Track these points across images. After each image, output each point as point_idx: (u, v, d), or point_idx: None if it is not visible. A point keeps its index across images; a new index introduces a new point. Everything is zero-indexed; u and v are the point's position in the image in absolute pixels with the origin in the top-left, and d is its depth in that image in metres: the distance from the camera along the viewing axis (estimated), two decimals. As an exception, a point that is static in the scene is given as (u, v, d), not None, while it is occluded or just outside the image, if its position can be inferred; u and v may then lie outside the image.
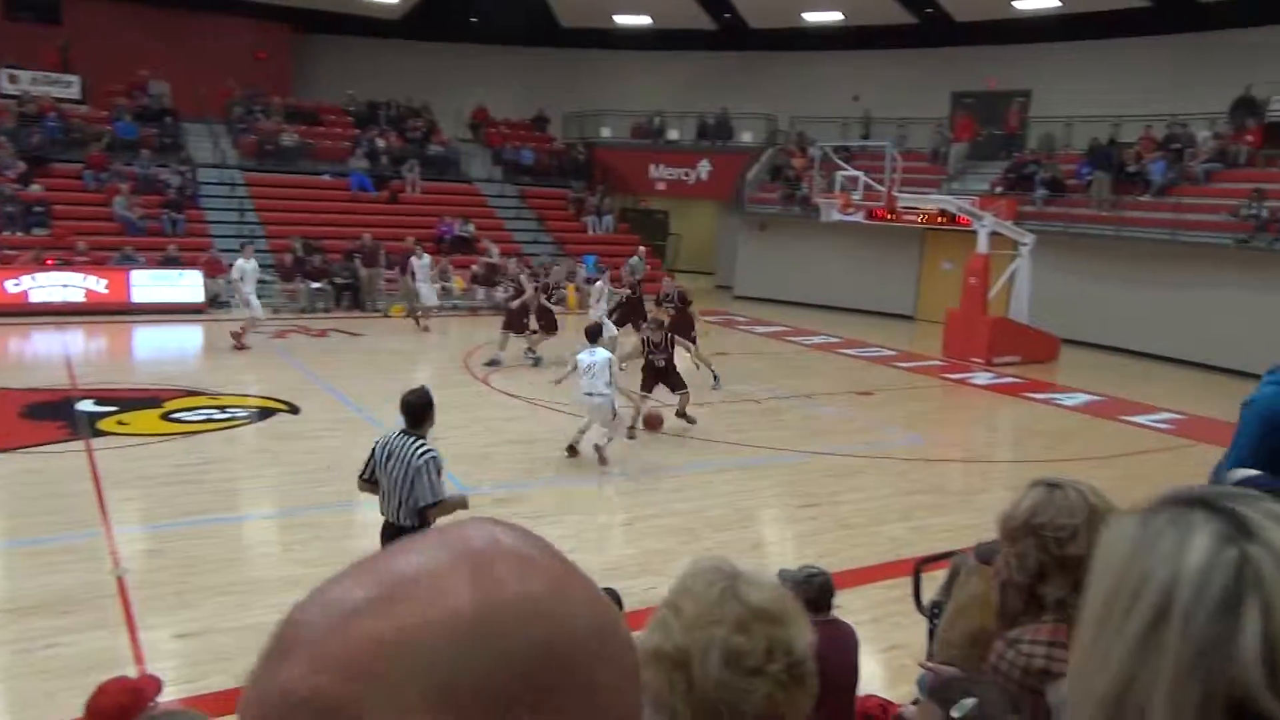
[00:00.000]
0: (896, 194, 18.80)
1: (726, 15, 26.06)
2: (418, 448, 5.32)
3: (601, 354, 9.72)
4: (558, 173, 26.83)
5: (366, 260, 19.80)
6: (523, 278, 15.31)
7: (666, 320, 11.87)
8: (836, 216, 19.22)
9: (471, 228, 22.55)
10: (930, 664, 2.37)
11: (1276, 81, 18.88)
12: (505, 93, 28.91)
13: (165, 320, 16.93)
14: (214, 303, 18.55)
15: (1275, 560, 0.75)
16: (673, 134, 27.53)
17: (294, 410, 11.32)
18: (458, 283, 20.69)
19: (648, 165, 27.04)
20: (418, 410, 5.47)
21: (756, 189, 25.48)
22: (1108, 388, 15.02)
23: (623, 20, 27.22)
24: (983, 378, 15.52)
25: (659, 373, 11.09)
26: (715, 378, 13.63)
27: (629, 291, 15.52)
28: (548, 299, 15.19)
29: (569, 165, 27.01)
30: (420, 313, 17.83)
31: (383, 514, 5.48)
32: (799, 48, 26.41)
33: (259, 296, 15.67)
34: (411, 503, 5.29)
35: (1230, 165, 18.68)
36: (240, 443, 9.99)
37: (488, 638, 0.56)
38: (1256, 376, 16.04)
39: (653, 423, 10.96)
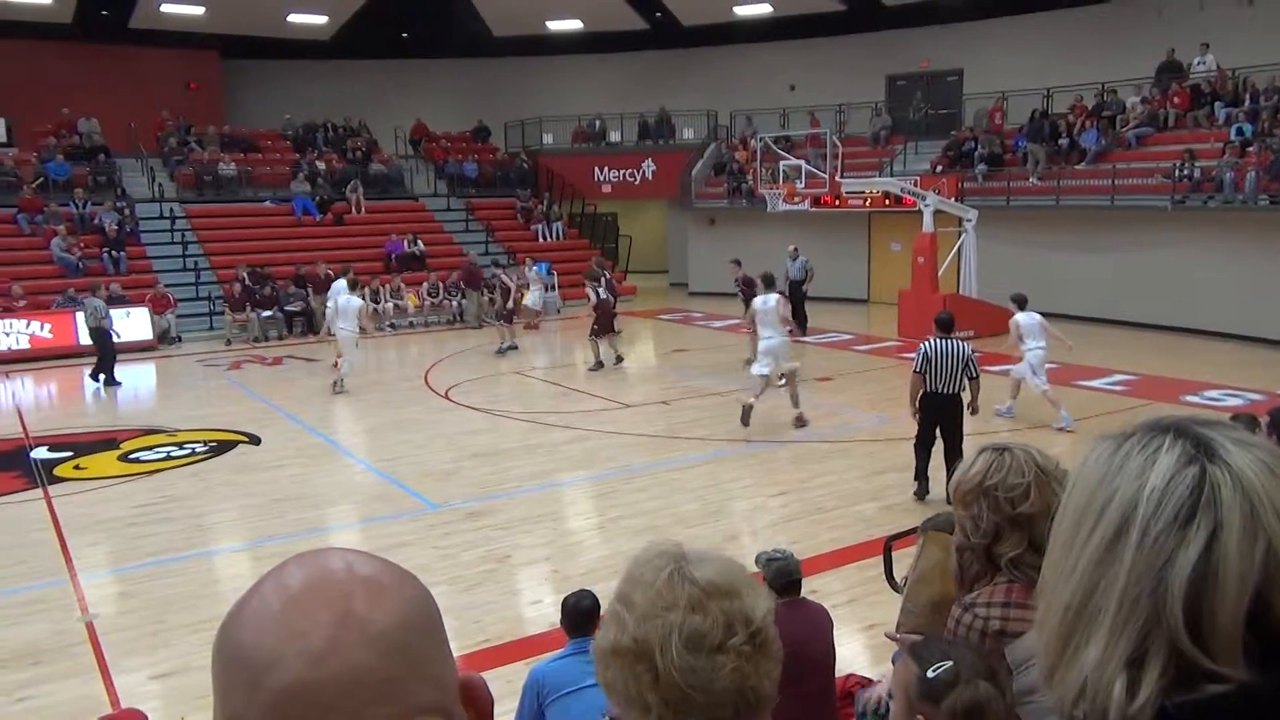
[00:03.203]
0: (840, 179, 19.00)
1: (658, 14, 26.16)
2: (963, 344, 8.50)
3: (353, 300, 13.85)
4: (503, 183, 26.77)
5: (319, 288, 19.65)
6: (502, 276, 17.95)
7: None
8: (783, 207, 19.38)
9: (420, 245, 22.43)
10: (897, 634, 2.42)
11: (1196, 43, 19.37)
12: (443, 106, 28.78)
13: (115, 360, 16.61)
14: (163, 339, 18.27)
15: (1235, 482, 0.77)
16: (614, 136, 27.58)
17: (255, 441, 11.19)
18: (411, 300, 20.59)
19: (592, 169, 27.07)
20: (948, 323, 8.57)
21: (703, 185, 25.61)
22: (1060, 355, 15.27)
23: (555, 26, 27.21)
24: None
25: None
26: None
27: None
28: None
29: (514, 174, 26.95)
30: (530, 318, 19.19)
31: (933, 390, 8.40)
32: (732, 41, 26.61)
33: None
34: (962, 379, 8.34)
35: (1160, 129, 19.11)
36: (203, 478, 9.85)
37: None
38: (1201, 333, 16.49)
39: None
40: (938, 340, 8.43)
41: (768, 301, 11.39)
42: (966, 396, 8.63)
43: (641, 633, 1.18)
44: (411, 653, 0.72)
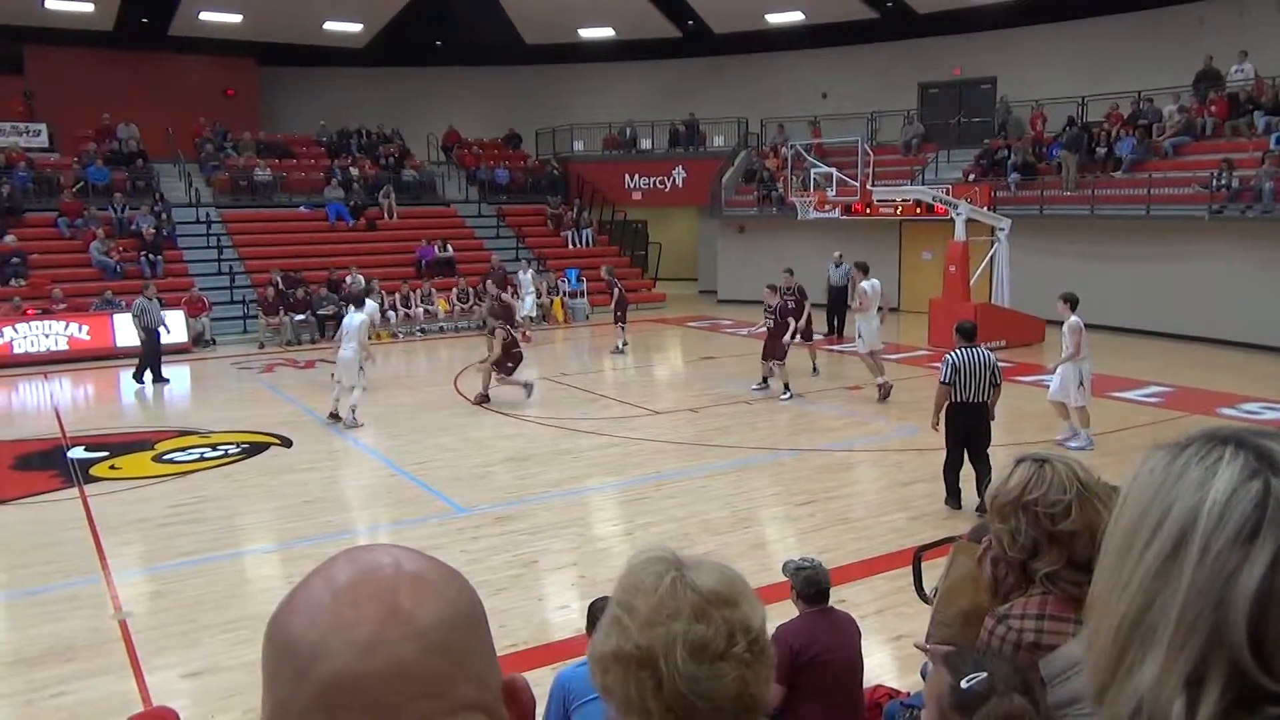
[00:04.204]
0: (871, 187, 18.91)
1: (689, 22, 26.20)
2: (987, 352, 8.46)
3: (355, 316, 11.83)
4: (533, 189, 26.88)
5: (351, 301, 19.79)
6: (490, 285, 18.15)
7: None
8: (813, 214, 19.31)
9: (450, 250, 22.57)
10: (927, 645, 2.39)
11: (1234, 52, 19.11)
12: (475, 113, 28.98)
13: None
14: (198, 341, 18.50)
15: None
16: (645, 143, 27.62)
17: (287, 443, 11.29)
18: (441, 305, 20.72)
19: (623, 176, 27.12)
20: (972, 332, 8.58)
21: (733, 192, 25.58)
22: (1094, 365, 15.07)
23: (587, 33, 27.32)
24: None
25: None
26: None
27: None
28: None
29: (544, 181, 27.07)
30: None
31: (960, 400, 8.28)
32: (764, 49, 26.58)
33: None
34: (990, 386, 8.29)
35: (1197, 137, 18.87)
36: (234, 479, 9.96)
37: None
38: (1238, 345, 16.15)
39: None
40: (963, 349, 8.37)
41: (876, 286, 13.35)
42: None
43: (645, 640, 1.19)
44: (456, 649, 0.73)
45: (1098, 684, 0.80)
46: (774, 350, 13.41)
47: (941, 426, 8.65)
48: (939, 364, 8.68)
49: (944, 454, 8.61)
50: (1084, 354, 10.41)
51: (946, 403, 8.43)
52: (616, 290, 17.62)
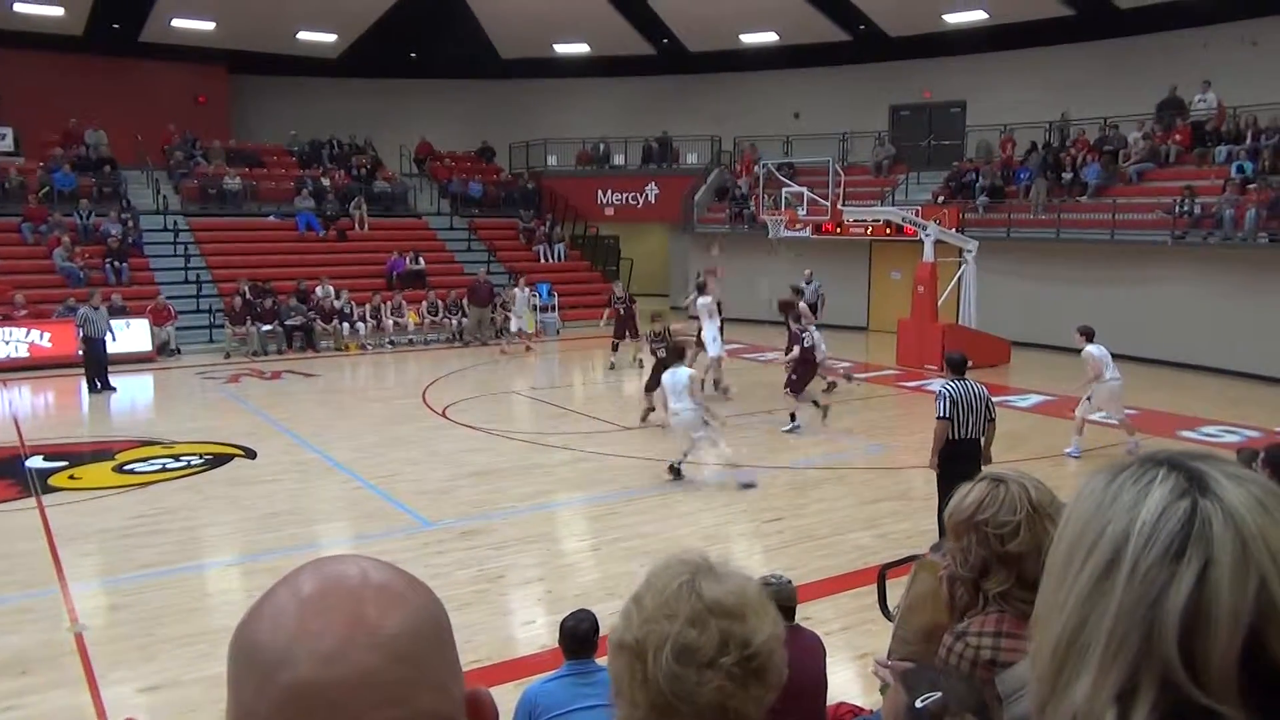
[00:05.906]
0: (842, 207, 19.07)
1: (665, 40, 26.36)
2: (982, 387, 7.84)
3: (682, 372, 10.01)
4: (506, 203, 26.86)
5: (323, 315, 19.69)
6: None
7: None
8: (784, 233, 19.42)
9: (421, 262, 22.48)
10: (887, 662, 2.41)
11: (1198, 82, 19.51)
12: (449, 126, 28.94)
13: (114, 370, 16.52)
14: (162, 350, 18.27)
15: (1225, 516, 0.76)
16: (618, 159, 27.71)
17: (251, 455, 11.17)
18: (411, 317, 20.62)
19: (595, 191, 27.19)
20: (962, 364, 8.00)
21: (705, 210, 25.70)
22: (1059, 387, 15.28)
23: (562, 49, 27.41)
24: (938, 385, 15.68)
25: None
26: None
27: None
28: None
29: (517, 195, 27.06)
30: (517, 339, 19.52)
31: (958, 437, 7.60)
32: (738, 69, 26.79)
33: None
34: (985, 420, 7.68)
35: (1161, 164, 19.21)
36: (197, 491, 9.83)
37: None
38: (1200, 369, 16.47)
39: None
40: (956, 382, 7.77)
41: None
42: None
43: (642, 634, 1.26)
44: (420, 660, 0.74)
45: (1039, 700, 0.83)
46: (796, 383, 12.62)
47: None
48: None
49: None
50: (1107, 376, 11.00)
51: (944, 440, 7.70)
52: (634, 310, 17.78)
